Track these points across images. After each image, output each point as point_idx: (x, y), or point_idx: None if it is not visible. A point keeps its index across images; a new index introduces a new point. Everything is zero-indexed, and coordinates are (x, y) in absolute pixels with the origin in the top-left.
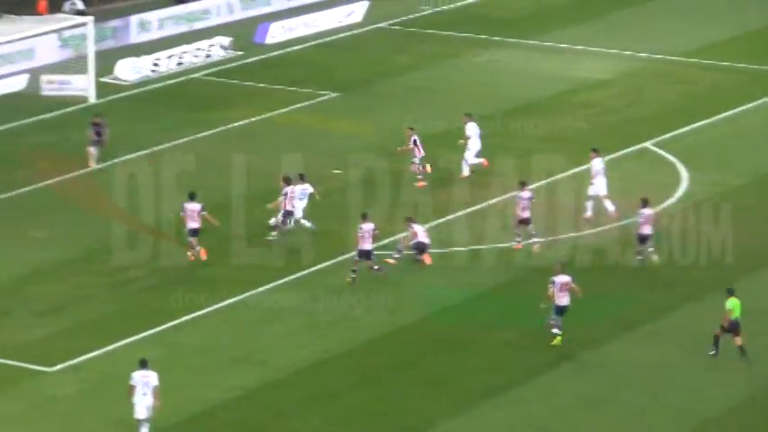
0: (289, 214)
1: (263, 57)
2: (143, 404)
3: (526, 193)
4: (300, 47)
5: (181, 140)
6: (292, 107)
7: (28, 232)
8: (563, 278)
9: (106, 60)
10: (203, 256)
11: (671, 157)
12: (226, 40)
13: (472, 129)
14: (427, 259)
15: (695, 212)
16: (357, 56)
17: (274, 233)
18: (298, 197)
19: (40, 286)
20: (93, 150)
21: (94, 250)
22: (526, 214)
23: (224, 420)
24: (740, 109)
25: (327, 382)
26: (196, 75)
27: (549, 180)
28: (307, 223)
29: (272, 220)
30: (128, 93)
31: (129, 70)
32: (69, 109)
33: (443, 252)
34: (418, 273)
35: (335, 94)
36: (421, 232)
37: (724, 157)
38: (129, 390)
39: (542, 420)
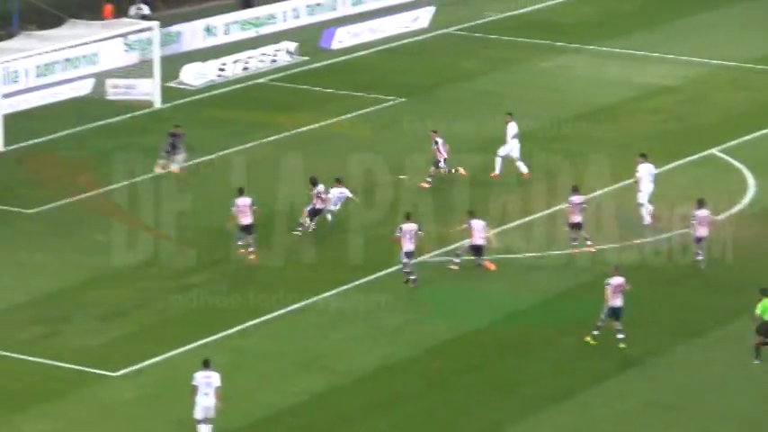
0: (315, 213)
1: (329, 62)
2: (204, 404)
3: (578, 198)
4: (366, 52)
5: (246, 145)
6: (357, 112)
7: (90, 236)
8: (617, 280)
9: (171, 65)
10: (255, 260)
11: (737, 164)
12: (292, 45)
13: (513, 128)
14: (490, 265)
15: (763, 219)
16: (422, 61)
17: (300, 229)
18: (333, 202)
19: (102, 291)
20: (165, 160)
21: (156, 255)
22: (578, 219)
23: (289, 425)
24: None
25: (393, 388)
26: (262, 80)
27: (615, 186)
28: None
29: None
30: (193, 98)
31: (194, 75)
32: (134, 113)
33: (510, 257)
34: (483, 278)
35: (401, 100)
36: (478, 230)
37: None
38: (192, 390)
39: (608, 425)
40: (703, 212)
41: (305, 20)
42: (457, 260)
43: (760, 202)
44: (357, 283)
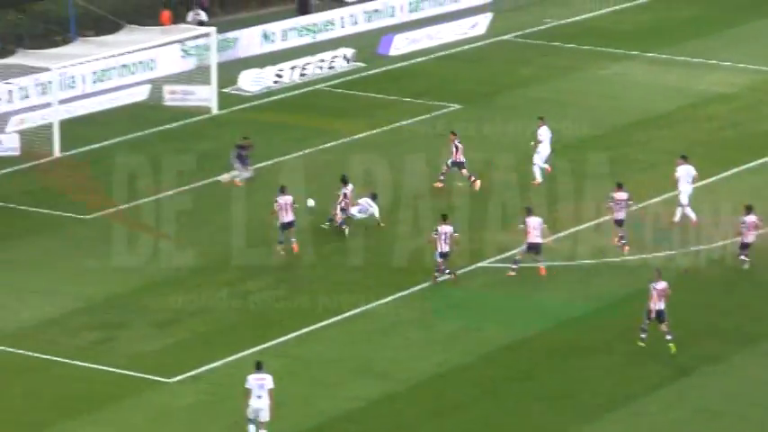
0: (343, 211)
1: (386, 68)
2: (257, 406)
3: (622, 195)
4: (423, 59)
5: (303, 151)
6: (415, 119)
7: (147, 242)
8: (661, 284)
9: (228, 71)
10: (296, 249)
11: None
12: (349, 52)
13: (544, 133)
14: (542, 271)
15: None
16: (480, 68)
17: (328, 223)
18: (357, 211)
19: (158, 297)
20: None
21: (214, 260)
22: (621, 215)
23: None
24: None
25: (448, 395)
26: (319, 86)
27: (672, 193)
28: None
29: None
30: (250, 104)
31: (251, 81)
32: (191, 119)
33: (564, 264)
34: (537, 284)
35: (458, 106)
36: (534, 228)
37: None
38: (245, 393)
39: None
40: (752, 218)
41: (363, 26)
42: (515, 266)
43: None
44: (412, 289)
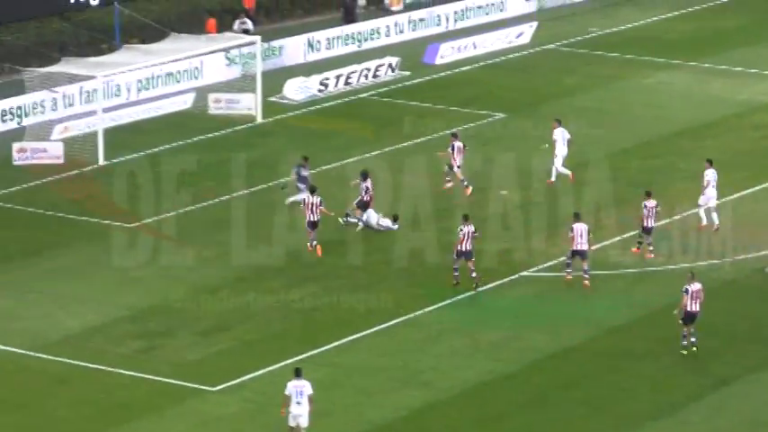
0: (364, 206)
1: (431, 77)
2: (296, 412)
3: (652, 202)
4: (468, 67)
5: (349, 160)
6: (460, 128)
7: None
8: (695, 286)
9: (273, 80)
10: (319, 253)
11: None
12: (394, 60)
13: (559, 134)
14: (586, 284)
15: None
16: (525, 77)
17: (348, 219)
18: (377, 223)
19: (203, 305)
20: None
21: (257, 269)
22: (650, 223)
23: None
24: None
25: (493, 403)
26: (364, 95)
27: (717, 202)
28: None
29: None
30: (295, 112)
31: (296, 90)
32: (236, 128)
33: (609, 273)
34: (582, 292)
35: (503, 115)
36: (580, 234)
37: None
38: (284, 400)
39: None
40: None
41: (408, 35)
42: (569, 270)
43: None
44: (457, 298)
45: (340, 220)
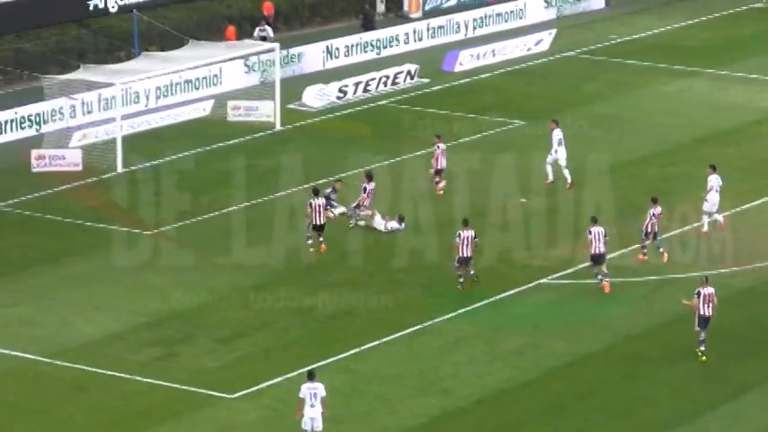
0: (356, 207)
1: (450, 84)
2: (311, 415)
3: (657, 209)
4: (488, 75)
5: (367, 167)
6: (479, 135)
7: (210, 258)
8: (708, 289)
9: (292, 87)
10: (323, 250)
11: None
12: (413, 68)
13: (557, 135)
14: (606, 288)
15: None
16: (544, 84)
17: (352, 221)
18: (386, 226)
19: (222, 312)
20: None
21: (276, 276)
22: (654, 229)
23: None
24: None
25: (511, 411)
26: (383, 102)
27: (736, 210)
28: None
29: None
30: (313, 119)
31: (315, 97)
32: (255, 135)
33: (628, 281)
34: (601, 300)
35: (522, 122)
36: (598, 238)
37: None
38: (298, 403)
39: None
40: None
41: (427, 42)
42: (600, 276)
43: None
44: (476, 305)
45: (350, 221)
